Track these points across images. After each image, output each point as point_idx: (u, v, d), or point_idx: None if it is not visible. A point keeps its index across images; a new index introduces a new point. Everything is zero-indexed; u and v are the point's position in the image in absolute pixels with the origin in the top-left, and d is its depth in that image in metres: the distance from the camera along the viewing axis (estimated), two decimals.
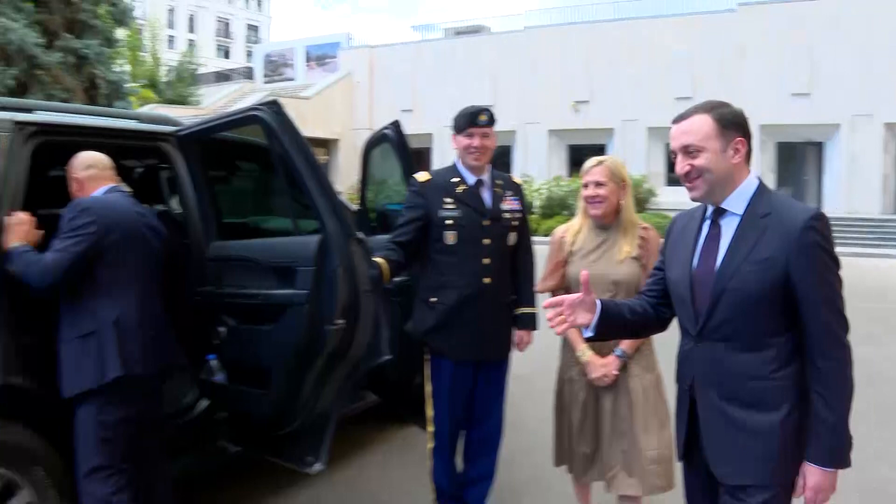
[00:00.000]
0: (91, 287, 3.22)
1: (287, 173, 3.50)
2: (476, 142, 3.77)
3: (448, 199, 3.78)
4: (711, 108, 2.30)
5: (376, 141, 4.51)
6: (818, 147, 27.51)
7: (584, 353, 3.46)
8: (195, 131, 3.98)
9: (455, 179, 3.85)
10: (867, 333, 9.33)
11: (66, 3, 17.51)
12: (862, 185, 25.78)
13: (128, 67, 37.25)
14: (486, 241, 3.79)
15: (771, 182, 27.37)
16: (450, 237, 3.77)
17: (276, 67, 44.12)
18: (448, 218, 3.76)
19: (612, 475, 3.45)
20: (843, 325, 2.20)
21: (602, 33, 30.14)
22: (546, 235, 21.28)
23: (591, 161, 3.52)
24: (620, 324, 2.51)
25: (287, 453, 3.72)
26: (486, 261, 3.79)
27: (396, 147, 4.26)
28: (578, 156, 30.48)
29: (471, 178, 3.85)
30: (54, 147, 3.58)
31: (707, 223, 2.38)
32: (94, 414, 3.17)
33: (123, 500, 3.18)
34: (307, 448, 3.61)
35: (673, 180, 28.90)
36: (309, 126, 33.39)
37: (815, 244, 2.16)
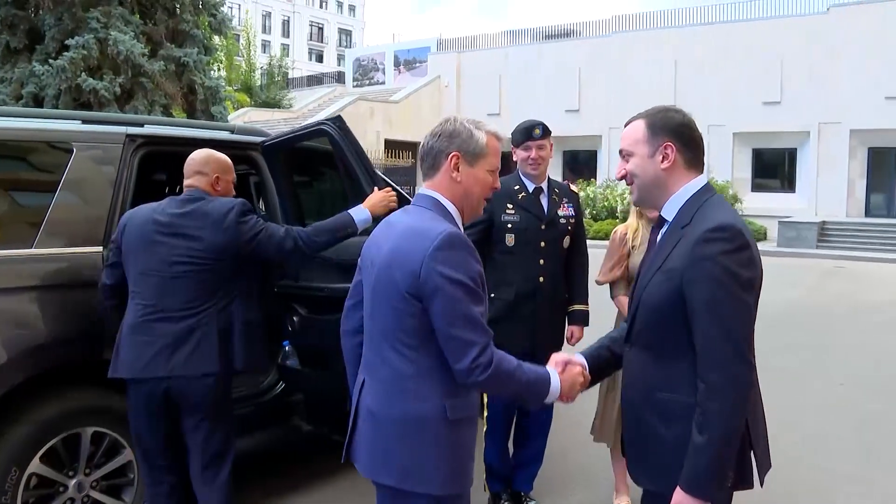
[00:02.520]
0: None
1: (348, 177, 4.01)
2: (533, 153, 4.18)
3: (510, 205, 4.18)
4: (649, 114, 2.29)
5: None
6: None
7: None
8: (277, 142, 4.47)
9: (517, 187, 4.24)
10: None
11: (170, 14, 18.46)
12: None
13: (223, 73, 38.69)
14: (543, 244, 4.18)
15: (861, 189, 26.66)
16: (510, 239, 4.16)
17: (366, 71, 44.96)
18: (509, 222, 4.16)
19: None
20: (731, 346, 2.03)
21: (689, 38, 29.90)
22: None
23: None
24: (610, 361, 2.56)
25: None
26: (542, 261, 4.17)
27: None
28: None
29: (530, 186, 4.24)
30: (158, 156, 4.15)
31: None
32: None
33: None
34: None
35: (758, 186, 28.53)
36: (397, 129, 34.08)
37: (709, 257, 2.04)
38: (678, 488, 2.07)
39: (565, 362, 2.39)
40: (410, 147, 35.18)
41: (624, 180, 2.34)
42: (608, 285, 4.28)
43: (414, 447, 2.14)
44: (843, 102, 25.83)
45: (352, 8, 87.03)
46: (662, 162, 2.23)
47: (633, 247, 4.13)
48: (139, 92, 17.19)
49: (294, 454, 5.20)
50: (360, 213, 3.67)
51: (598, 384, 4.12)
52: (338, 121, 4.00)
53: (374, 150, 29.33)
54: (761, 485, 2.22)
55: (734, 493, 2.18)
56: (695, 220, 2.15)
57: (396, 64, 43.14)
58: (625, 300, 4.11)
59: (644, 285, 2.26)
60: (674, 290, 2.12)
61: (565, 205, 4.31)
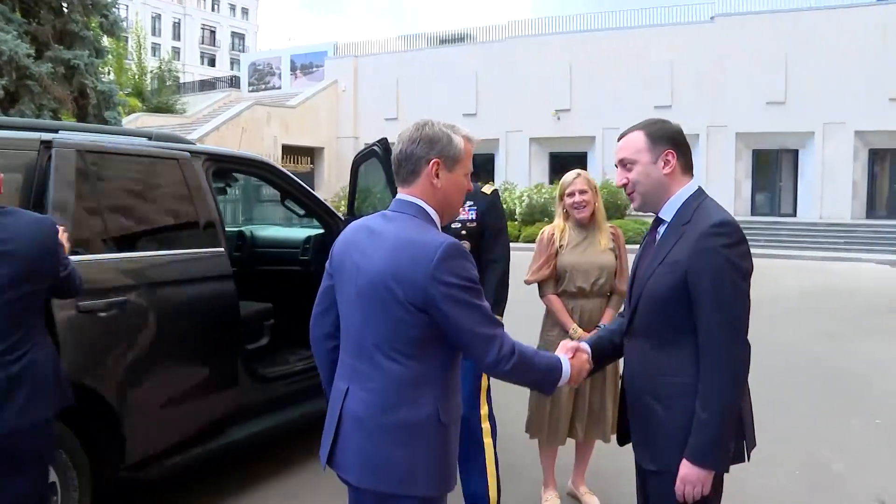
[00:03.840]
0: None
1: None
2: None
3: None
4: (646, 125, 2.48)
5: (365, 156, 4.89)
6: (793, 154, 28.19)
7: (576, 330, 4.14)
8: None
9: None
10: (833, 332, 9.87)
11: (56, 14, 17.62)
12: (834, 192, 26.47)
13: (112, 76, 37.43)
14: None
15: (747, 188, 28.02)
16: None
17: (262, 76, 44.33)
18: None
19: (582, 428, 4.25)
20: (732, 329, 2.24)
21: (583, 43, 30.68)
22: (528, 241, 21.60)
23: (572, 174, 4.26)
24: (610, 351, 2.71)
25: None
26: None
27: (383, 162, 4.62)
28: (560, 164, 30.95)
29: None
30: None
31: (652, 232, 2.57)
32: None
33: None
34: None
35: None
36: (294, 135, 33.71)
37: (713, 249, 2.24)
38: (684, 461, 2.27)
39: (575, 349, 2.49)
40: (308, 152, 34.89)
41: (624, 188, 2.50)
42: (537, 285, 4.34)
43: (409, 452, 2.16)
44: (728, 107, 27.08)
45: (245, 11, 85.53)
46: (664, 168, 2.42)
47: (560, 246, 4.23)
48: (25, 95, 16.32)
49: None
50: None
51: None
52: (384, 140, 4.47)
53: (271, 155, 28.91)
54: (748, 460, 2.40)
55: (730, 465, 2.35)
56: (695, 219, 2.35)
57: (293, 68, 42.72)
58: (554, 298, 4.22)
59: (645, 279, 2.44)
60: (678, 281, 2.31)
61: (466, 209, 4.19)
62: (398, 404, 2.15)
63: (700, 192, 2.44)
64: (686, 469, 2.26)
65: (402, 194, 2.30)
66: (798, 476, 4.80)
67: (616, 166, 2.54)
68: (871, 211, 27.02)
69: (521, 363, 2.19)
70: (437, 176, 2.26)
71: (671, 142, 2.43)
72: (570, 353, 2.44)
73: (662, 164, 2.41)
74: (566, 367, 2.35)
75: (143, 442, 3.79)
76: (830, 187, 26.58)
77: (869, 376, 7.61)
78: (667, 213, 2.45)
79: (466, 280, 2.13)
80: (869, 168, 27.14)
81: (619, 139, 2.54)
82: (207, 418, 4.24)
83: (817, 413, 6.20)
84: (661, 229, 2.47)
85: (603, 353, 2.68)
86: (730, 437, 2.27)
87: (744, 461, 2.38)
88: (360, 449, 2.21)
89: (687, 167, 2.46)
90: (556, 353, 2.42)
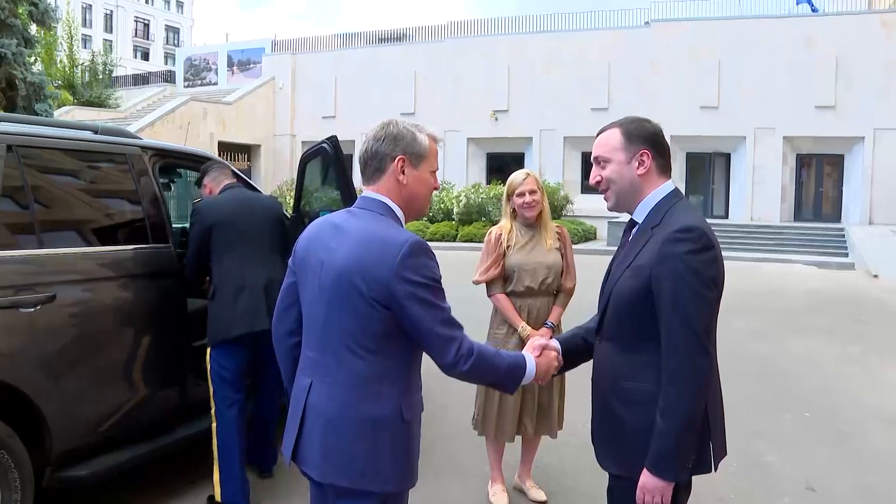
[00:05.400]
0: None
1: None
2: None
3: None
4: (623, 123, 2.42)
5: (313, 154, 4.86)
6: (726, 158, 28.90)
7: (525, 328, 4.21)
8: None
9: None
10: (764, 331, 10.17)
11: None
12: (763, 195, 27.23)
13: (41, 67, 36.35)
14: None
15: (681, 190, 28.59)
16: None
17: (198, 72, 43.57)
18: None
19: (531, 423, 4.32)
20: (693, 339, 2.17)
21: (522, 45, 30.98)
22: (465, 241, 21.69)
23: (521, 174, 4.31)
24: (584, 349, 2.67)
25: None
26: None
27: (333, 160, 4.59)
28: (497, 164, 31.24)
29: None
30: None
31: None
32: None
33: None
34: None
35: (588, 188, 29.83)
36: (231, 131, 33.27)
37: (674, 255, 2.18)
38: (644, 470, 2.22)
39: (542, 347, 2.50)
40: (245, 149, 34.47)
41: (598, 186, 2.45)
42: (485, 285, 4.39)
43: (371, 447, 2.17)
44: (664, 110, 27.48)
45: (180, 4, 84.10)
46: (639, 168, 2.36)
47: (508, 247, 4.29)
48: None
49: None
50: None
51: None
52: (333, 138, 4.43)
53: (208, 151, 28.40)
54: (715, 469, 2.34)
55: (693, 476, 2.31)
56: (664, 222, 2.30)
57: (230, 64, 42.12)
58: (502, 297, 4.29)
59: (615, 281, 2.40)
60: (642, 285, 2.26)
61: None
62: (361, 399, 2.17)
63: (674, 194, 2.39)
64: (645, 478, 2.22)
65: (367, 192, 2.33)
66: (734, 467, 4.96)
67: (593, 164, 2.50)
68: (798, 213, 27.90)
69: (480, 363, 2.21)
70: (403, 172, 2.29)
71: (647, 142, 2.37)
72: (538, 352, 2.47)
73: (637, 164, 2.36)
74: (531, 365, 2.37)
75: (69, 440, 3.69)
76: (760, 190, 27.35)
77: (799, 372, 7.90)
78: (639, 215, 2.40)
79: (429, 279, 2.15)
80: (796, 172, 28.01)
81: (596, 135, 2.49)
82: (150, 416, 4.19)
83: (751, 408, 6.41)
84: (634, 231, 2.44)
85: (576, 352, 2.67)
86: (689, 449, 2.21)
87: (709, 471, 2.31)
88: (323, 443, 2.22)
89: (664, 169, 2.41)
90: (523, 350, 2.46)
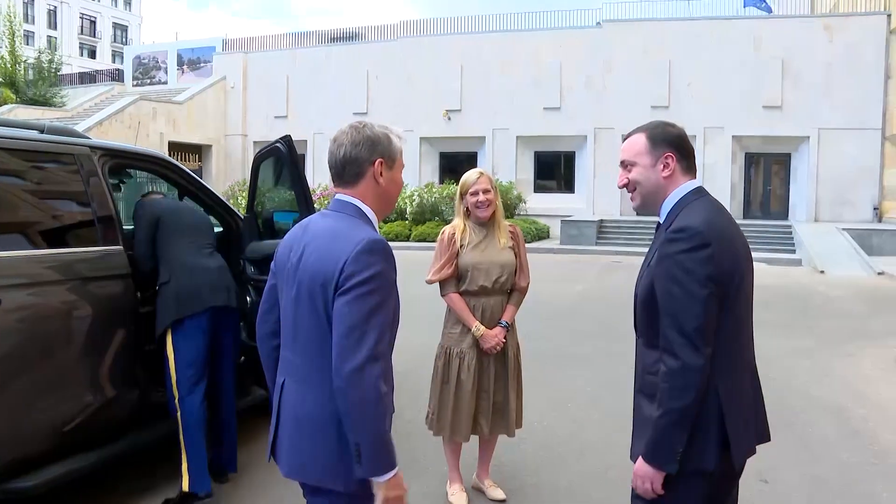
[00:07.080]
0: None
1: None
2: None
3: None
4: (648, 127, 2.52)
5: (267, 154, 4.81)
6: None
7: (479, 328, 4.24)
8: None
9: None
10: None
11: None
12: (714, 193, 27.48)
13: None
14: None
15: (704, 188, 29.05)
16: None
17: (147, 70, 42.87)
18: None
19: (486, 423, 4.31)
20: (684, 336, 2.21)
21: (475, 44, 31.03)
22: (419, 241, 21.71)
23: (474, 173, 4.32)
24: None
25: None
26: None
27: (287, 160, 4.54)
28: (450, 163, 31.27)
29: None
30: None
31: None
32: None
33: None
34: None
35: (540, 187, 30.17)
36: (182, 131, 32.82)
37: (668, 255, 2.27)
38: (640, 455, 2.33)
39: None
40: (196, 149, 34.02)
41: (626, 188, 2.55)
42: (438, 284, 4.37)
43: (337, 447, 2.16)
44: (615, 109, 27.88)
45: (127, 2, 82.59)
46: (663, 171, 2.46)
47: (461, 246, 4.29)
48: None
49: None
50: None
51: (433, 378, 4.31)
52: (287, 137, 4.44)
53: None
54: (735, 467, 2.38)
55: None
56: (675, 222, 2.36)
57: (180, 63, 41.52)
58: (456, 297, 4.28)
59: (638, 280, 2.51)
60: (650, 285, 2.37)
61: None
62: (330, 399, 2.14)
63: (694, 192, 2.47)
64: (639, 464, 2.32)
65: (341, 195, 2.34)
66: None
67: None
68: (747, 211, 28.35)
69: (367, 402, 2.03)
70: (381, 175, 2.31)
71: (671, 145, 2.46)
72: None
73: (662, 166, 2.46)
74: (393, 471, 2.10)
75: (13, 450, 3.60)
76: (711, 188, 25.60)
77: None
78: (661, 216, 2.50)
79: (373, 277, 2.09)
80: (745, 171, 28.50)
81: (623, 139, 2.59)
82: (101, 422, 4.10)
83: None
84: (656, 232, 2.53)
85: None
86: (675, 442, 2.23)
87: (710, 468, 2.28)
88: (291, 441, 2.24)
89: (688, 169, 2.50)
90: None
